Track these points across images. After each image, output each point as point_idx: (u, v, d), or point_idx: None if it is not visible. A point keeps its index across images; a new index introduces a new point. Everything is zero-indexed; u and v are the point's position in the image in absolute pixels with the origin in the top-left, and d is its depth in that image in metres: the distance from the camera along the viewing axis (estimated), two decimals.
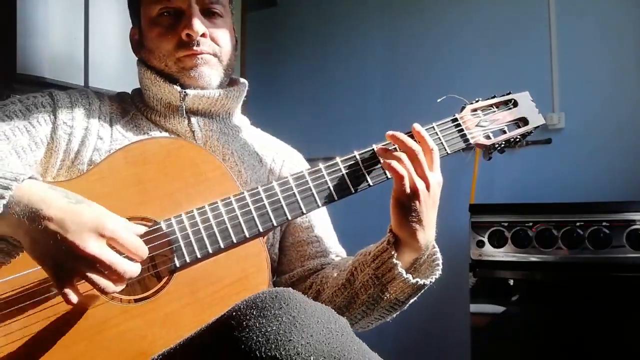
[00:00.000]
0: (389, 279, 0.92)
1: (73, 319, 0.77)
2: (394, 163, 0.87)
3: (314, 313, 0.69)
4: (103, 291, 0.72)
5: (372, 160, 0.92)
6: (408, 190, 0.87)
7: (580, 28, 2.44)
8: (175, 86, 1.02)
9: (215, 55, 1.03)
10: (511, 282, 2.01)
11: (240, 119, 1.16)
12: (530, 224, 1.98)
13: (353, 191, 0.91)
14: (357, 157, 0.92)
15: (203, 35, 1.01)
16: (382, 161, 0.91)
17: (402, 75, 2.83)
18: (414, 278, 0.92)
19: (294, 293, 0.71)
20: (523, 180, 2.50)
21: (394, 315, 1.02)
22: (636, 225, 1.83)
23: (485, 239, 2.03)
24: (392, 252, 0.91)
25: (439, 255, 0.96)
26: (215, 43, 1.03)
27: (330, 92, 3.01)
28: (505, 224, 2.02)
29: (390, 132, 0.90)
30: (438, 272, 0.95)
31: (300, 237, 1.10)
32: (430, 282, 0.94)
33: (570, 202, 2.15)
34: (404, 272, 0.91)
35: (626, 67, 2.36)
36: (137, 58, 1.10)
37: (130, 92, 1.13)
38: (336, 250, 1.12)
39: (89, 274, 0.71)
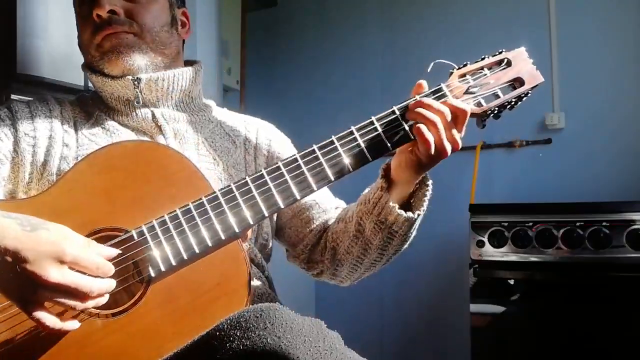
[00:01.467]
0: (392, 221, 0.93)
1: (52, 338, 0.75)
2: (423, 128, 0.84)
3: (301, 331, 0.67)
4: (74, 309, 0.71)
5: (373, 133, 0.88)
6: (433, 153, 0.85)
7: (580, 28, 2.44)
8: (125, 77, 0.98)
9: (134, 33, 0.98)
10: (511, 282, 2.01)
11: (205, 103, 1.12)
12: (530, 224, 1.98)
13: (333, 179, 0.86)
14: (356, 131, 0.88)
15: (114, 12, 0.96)
16: (406, 127, 0.87)
17: (402, 75, 2.83)
18: (413, 210, 0.94)
19: (280, 310, 0.69)
20: (523, 180, 2.50)
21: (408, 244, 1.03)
22: (636, 225, 1.83)
23: (485, 239, 2.03)
24: (387, 198, 0.92)
25: (428, 181, 0.96)
26: (132, 20, 0.97)
27: (330, 91, 3.01)
28: (505, 224, 2.01)
29: (417, 99, 0.87)
30: (429, 193, 0.95)
31: (299, 204, 1.08)
32: (424, 210, 0.95)
33: (570, 202, 2.15)
34: (403, 212, 0.92)
35: (626, 67, 2.35)
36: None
37: (89, 93, 1.09)
38: (334, 203, 1.12)
39: (56, 298, 0.69)
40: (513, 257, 1.99)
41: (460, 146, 0.87)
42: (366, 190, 1.01)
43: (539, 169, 2.47)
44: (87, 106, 1.04)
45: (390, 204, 0.92)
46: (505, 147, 2.51)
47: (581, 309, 1.89)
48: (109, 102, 1.02)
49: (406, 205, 0.96)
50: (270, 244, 1.11)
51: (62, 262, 0.69)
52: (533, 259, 1.96)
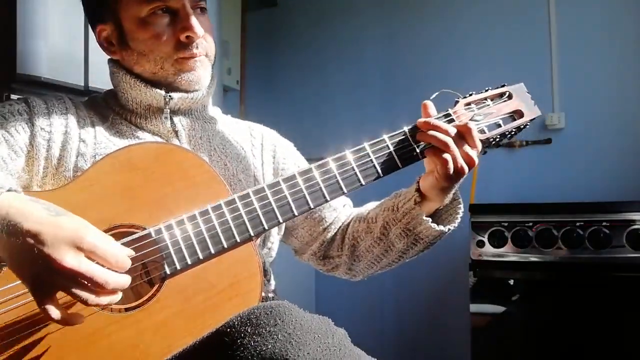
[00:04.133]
0: (420, 230, 0.98)
1: (62, 330, 0.75)
2: (438, 151, 0.90)
3: (311, 328, 0.68)
4: (86, 303, 0.70)
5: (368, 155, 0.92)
6: (452, 173, 0.91)
7: (580, 27, 2.44)
8: (158, 90, 0.99)
9: (207, 55, 1.02)
10: (511, 282, 2.01)
11: (213, 109, 1.14)
12: (530, 224, 1.98)
13: (345, 191, 0.91)
14: (368, 148, 0.92)
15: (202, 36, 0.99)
16: (416, 147, 0.92)
17: (401, 75, 2.83)
18: (445, 224, 0.99)
19: (290, 307, 0.70)
20: (523, 180, 2.50)
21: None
22: (636, 225, 1.83)
23: (485, 239, 2.03)
24: (420, 211, 0.97)
25: (459, 198, 1.02)
26: (206, 41, 1.02)
27: (330, 91, 3.01)
28: (505, 224, 2.01)
29: (425, 120, 0.92)
30: (461, 210, 1.02)
31: None
32: (458, 222, 1.01)
33: (570, 202, 2.15)
34: (435, 225, 0.97)
35: (627, 67, 2.35)
36: (109, 58, 1.05)
37: (101, 94, 1.09)
38: (342, 201, 1.15)
39: (69, 288, 0.68)
40: (513, 257, 1.99)
41: (476, 163, 0.92)
42: (392, 196, 1.05)
43: (539, 169, 2.47)
44: (101, 108, 1.04)
45: (424, 217, 0.96)
46: (505, 147, 2.51)
47: (581, 309, 1.89)
48: (128, 104, 1.02)
49: (431, 216, 1.00)
50: (275, 249, 1.13)
51: (79, 248, 0.69)
52: (533, 259, 1.97)
